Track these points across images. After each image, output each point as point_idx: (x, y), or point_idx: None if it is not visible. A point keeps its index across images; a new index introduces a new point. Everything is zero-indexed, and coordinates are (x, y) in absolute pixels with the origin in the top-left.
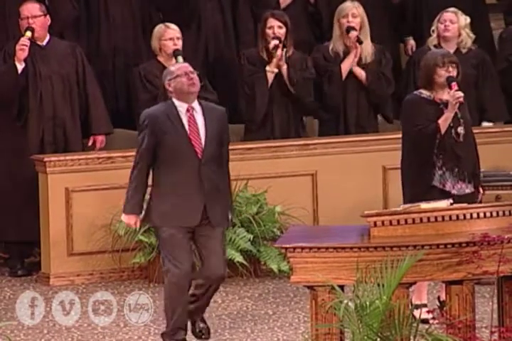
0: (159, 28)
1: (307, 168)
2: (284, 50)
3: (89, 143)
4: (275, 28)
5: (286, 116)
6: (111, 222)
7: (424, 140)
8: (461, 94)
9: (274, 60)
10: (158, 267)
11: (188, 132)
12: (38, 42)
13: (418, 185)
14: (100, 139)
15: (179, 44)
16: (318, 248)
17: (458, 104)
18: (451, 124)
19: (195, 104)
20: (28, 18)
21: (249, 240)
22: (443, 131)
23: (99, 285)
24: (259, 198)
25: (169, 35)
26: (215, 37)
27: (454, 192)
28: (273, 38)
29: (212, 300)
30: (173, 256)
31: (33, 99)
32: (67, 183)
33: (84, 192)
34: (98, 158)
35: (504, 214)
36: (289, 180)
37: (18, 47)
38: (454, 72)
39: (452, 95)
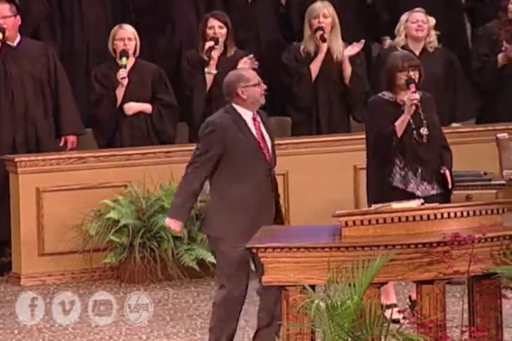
0: (114, 28)
1: (278, 167)
2: (250, 55)
3: (61, 144)
4: (216, 28)
5: None
6: (82, 222)
7: (382, 142)
8: (416, 96)
9: (212, 62)
10: (129, 267)
11: (258, 140)
12: (9, 43)
13: (380, 186)
14: (71, 140)
15: (130, 45)
16: (290, 248)
17: (414, 107)
18: (413, 125)
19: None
20: None
21: None
22: (399, 133)
23: (70, 285)
24: None
25: (120, 35)
26: (189, 38)
27: (417, 193)
28: (209, 39)
29: (183, 300)
30: (234, 276)
31: (5, 99)
32: (38, 183)
33: (55, 192)
34: (69, 158)
35: (475, 214)
36: None
37: None
38: (415, 76)
39: (408, 97)
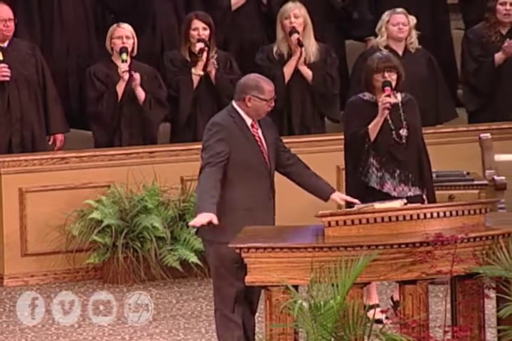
0: (112, 27)
1: None
2: (214, 56)
3: (50, 142)
4: (200, 29)
5: None
6: (65, 223)
7: (355, 143)
8: (388, 100)
9: (200, 63)
10: (112, 267)
11: (259, 144)
12: (0, 44)
13: (356, 186)
14: (60, 138)
15: (128, 43)
16: (273, 248)
17: (387, 110)
18: (392, 126)
19: None
20: (5, 21)
21: None
22: (372, 136)
23: (53, 285)
24: None
25: (118, 33)
26: (170, 38)
27: (394, 194)
28: (198, 41)
29: (166, 301)
30: (229, 275)
31: (1, 102)
32: (21, 184)
33: (38, 192)
34: (52, 159)
35: (457, 214)
36: None
37: None
38: (392, 77)
39: (381, 101)
